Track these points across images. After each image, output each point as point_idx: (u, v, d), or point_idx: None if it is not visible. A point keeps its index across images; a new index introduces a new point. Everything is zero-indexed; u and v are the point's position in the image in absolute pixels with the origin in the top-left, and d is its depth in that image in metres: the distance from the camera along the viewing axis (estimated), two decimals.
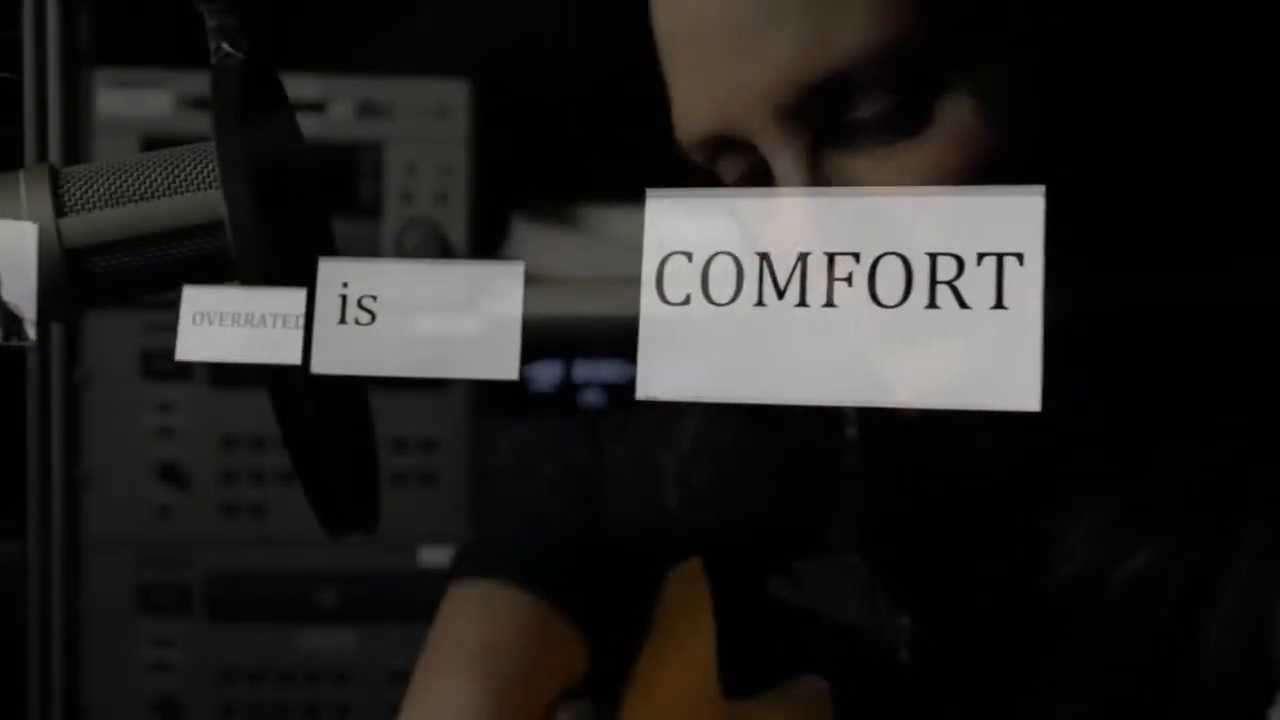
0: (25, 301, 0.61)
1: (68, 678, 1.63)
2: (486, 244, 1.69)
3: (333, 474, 0.65)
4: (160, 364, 1.65)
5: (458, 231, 1.67)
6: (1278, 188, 0.71)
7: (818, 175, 0.63)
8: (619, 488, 1.00)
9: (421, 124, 1.67)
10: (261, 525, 1.67)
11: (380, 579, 1.67)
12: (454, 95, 1.67)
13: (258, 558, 1.68)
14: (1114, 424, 0.74)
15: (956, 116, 0.62)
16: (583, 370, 1.69)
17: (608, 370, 1.70)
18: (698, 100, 0.65)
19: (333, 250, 0.72)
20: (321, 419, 0.62)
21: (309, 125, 0.74)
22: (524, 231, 1.73)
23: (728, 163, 0.67)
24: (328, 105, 1.66)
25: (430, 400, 1.67)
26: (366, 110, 1.66)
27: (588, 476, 1.02)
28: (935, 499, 0.80)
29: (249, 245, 0.60)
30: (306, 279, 0.55)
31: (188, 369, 1.63)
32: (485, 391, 1.67)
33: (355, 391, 0.74)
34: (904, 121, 0.62)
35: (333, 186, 1.63)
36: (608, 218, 1.75)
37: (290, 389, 0.61)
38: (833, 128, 0.63)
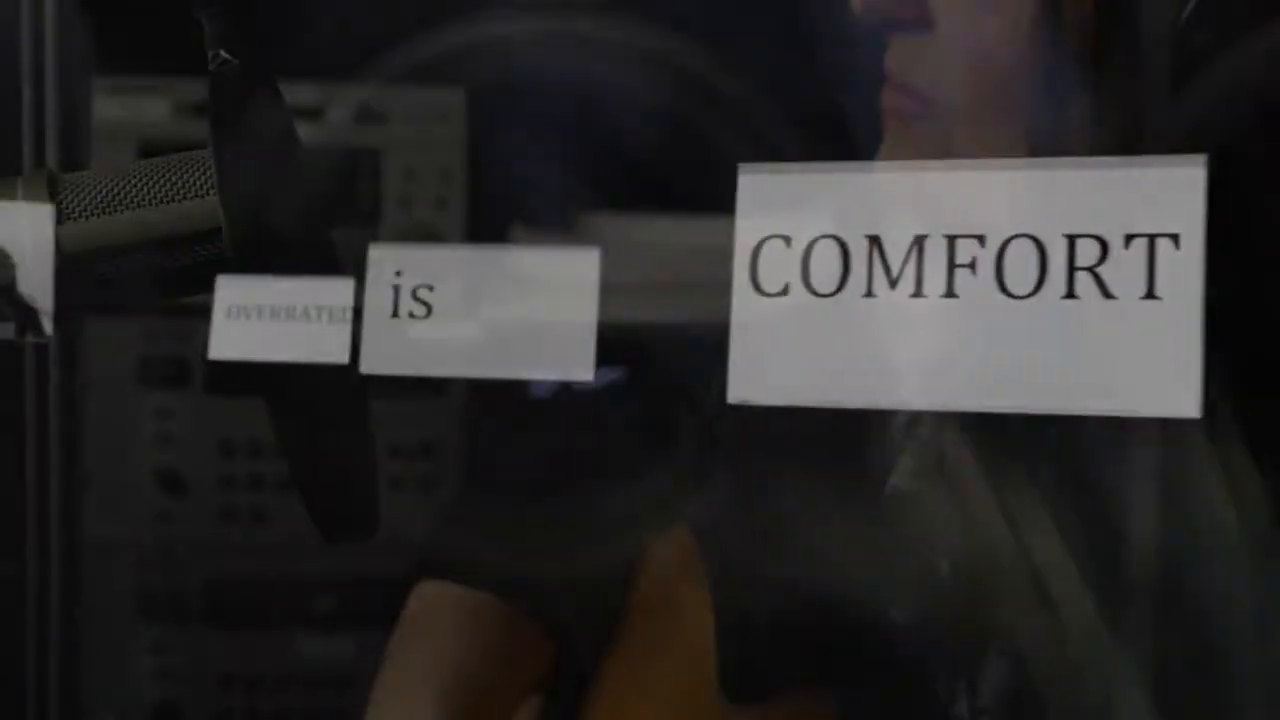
0: (42, 294, 0.60)
1: (66, 684, 1.63)
2: None
3: (331, 480, 0.65)
4: (159, 370, 1.64)
5: (456, 238, 1.67)
6: None
7: None
8: (596, 475, 0.99)
9: (419, 130, 1.67)
10: (260, 531, 1.67)
11: (379, 585, 1.66)
12: (451, 101, 1.67)
13: (257, 564, 1.67)
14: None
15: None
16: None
17: (608, 374, 1.69)
18: None
19: (332, 257, 0.72)
20: (319, 426, 0.62)
21: (307, 131, 0.73)
22: (523, 237, 1.72)
23: None
24: (325, 111, 1.65)
25: (428, 404, 1.66)
26: (364, 116, 1.66)
27: (563, 466, 1.01)
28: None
29: (247, 252, 0.60)
30: None
31: (187, 375, 1.63)
32: (484, 395, 1.66)
33: (354, 396, 0.74)
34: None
35: (330, 192, 1.63)
36: (608, 223, 1.75)
37: (287, 396, 0.61)
38: None
